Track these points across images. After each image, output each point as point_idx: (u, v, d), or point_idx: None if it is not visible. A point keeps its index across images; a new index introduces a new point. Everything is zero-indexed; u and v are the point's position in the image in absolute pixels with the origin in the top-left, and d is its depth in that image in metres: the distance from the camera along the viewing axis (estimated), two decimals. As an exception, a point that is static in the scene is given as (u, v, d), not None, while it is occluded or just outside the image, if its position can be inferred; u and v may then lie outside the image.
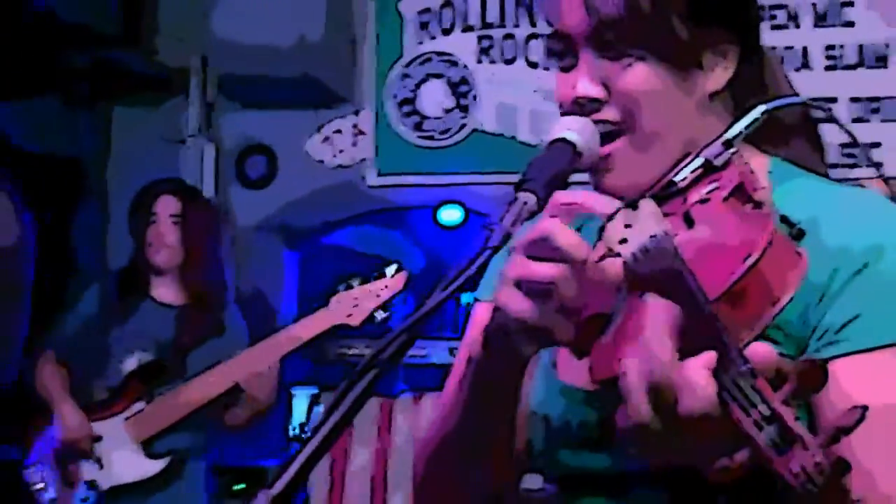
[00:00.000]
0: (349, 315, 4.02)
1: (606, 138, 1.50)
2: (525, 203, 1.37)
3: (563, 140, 1.47)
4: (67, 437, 4.19)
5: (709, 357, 1.16)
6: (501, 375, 1.45)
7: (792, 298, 1.28)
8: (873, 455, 1.33)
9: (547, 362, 1.56)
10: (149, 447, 4.19)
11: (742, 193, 1.41)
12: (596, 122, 1.49)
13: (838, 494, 1.07)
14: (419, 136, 5.46)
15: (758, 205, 1.39)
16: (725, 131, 1.49)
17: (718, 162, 1.46)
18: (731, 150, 1.47)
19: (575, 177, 1.48)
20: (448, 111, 5.46)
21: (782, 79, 1.66)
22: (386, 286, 4.05)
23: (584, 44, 1.50)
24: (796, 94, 1.63)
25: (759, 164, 1.56)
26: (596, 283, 1.33)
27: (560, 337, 1.33)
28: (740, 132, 1.49)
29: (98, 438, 4.21)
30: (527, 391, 1.58)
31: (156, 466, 4.17)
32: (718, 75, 1.53)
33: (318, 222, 5.66)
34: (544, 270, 1.31)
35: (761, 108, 1.50)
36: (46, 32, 4.75)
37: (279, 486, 1.16)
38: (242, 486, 4.97)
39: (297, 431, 5.53)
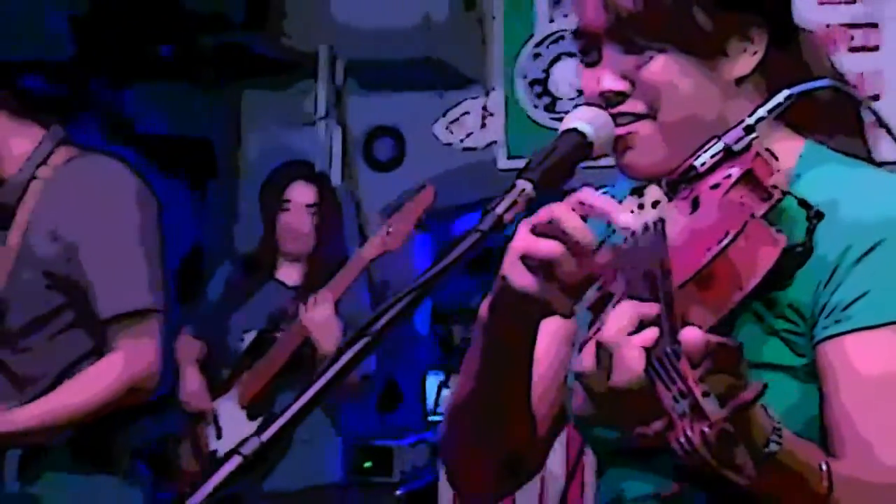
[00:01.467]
0: (385, 240, 4.11)
1: (628, 122, 1.51)
2: (523, 190, 1.40)
3: (574, 130, 1.49)
4: (185, 398, 4.37)
5: (646, 336, 1.24)
6: (506, 339, 1.52)
7: (761, 282, 1.33)
8: (873, 428, 1.39)
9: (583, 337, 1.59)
10: (252, 411, 4.30)
11: (752, 179, 1.41)
12: (622, 114, 1.51)
13: (723, 461, 1.13)
14: (552, 118, 5.41)
15: (766, 191, 1.40)
16: (751, 115, 1.48)
17: (737, 147, 1.46)
18: (751, 136, 1.47)
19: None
20: (582, 91, 5.39)
21: (823, 57, 1.63)
22: (416, 203, 4.11)
23: (606, 39, 1.52)
24: (839, 74, 1.61)
25: (792, 147, 1.56)
26: (604, 265, 1.40)
27: (557, 310, 1.41)
28: (762, 117, 1.48)
29: (215, 412, 4.35)
30: (557, 362, 1.67)
31: (253, 427, 4.25)
32: (745, 60, 1.53)
33: (448, 205, 5.67)
34: (547, 247, 1.38)
35: (785, 92, 1.49)
36: (174, 18, 4.87)
37: (267, 435, 1.25)
38: (370, 463, 5.05)
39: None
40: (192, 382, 4.38)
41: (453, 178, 5.51)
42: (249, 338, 4.37)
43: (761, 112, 1.47)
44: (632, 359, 1.22)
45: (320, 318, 4.11)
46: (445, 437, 1.71)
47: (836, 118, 1.60)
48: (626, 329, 1.25)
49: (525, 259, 1.38)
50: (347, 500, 4.48)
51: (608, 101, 1.51)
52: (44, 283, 2.89)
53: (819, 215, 1.43)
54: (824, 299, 1.42)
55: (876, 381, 1.39)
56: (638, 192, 1.45)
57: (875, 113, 1.52)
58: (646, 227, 1.35)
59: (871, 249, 1.42)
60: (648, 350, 1.22)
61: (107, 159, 3.01)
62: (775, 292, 1.43)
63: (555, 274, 1.37)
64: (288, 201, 4.41)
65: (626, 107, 1.51)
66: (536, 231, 1.38)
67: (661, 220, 1.35)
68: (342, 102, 5.56)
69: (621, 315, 1.26)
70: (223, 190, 5.68)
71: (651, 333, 1.22)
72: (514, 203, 1.38)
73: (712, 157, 1.46)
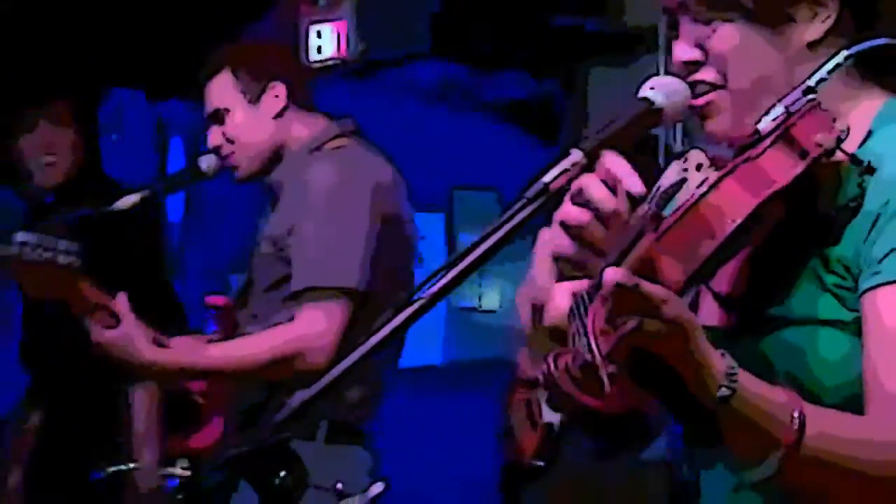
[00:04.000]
0: None
1: (706, 90, 1.61)
2: (574, 159, 1.51)
3: (643, 99, 1.60)
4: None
5: (577, 283, 1.36)
6: None
7: (736, 230, 1.37)
8: (893, 382, 1.42)
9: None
10: None
11: (789, 139, 1.48)
12: (698, 83, 1.61)
13: (587, 390, 1.26)
14: None
15: (803, 149, 1.46)
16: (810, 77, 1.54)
17: (794, 109, 1.51)
18: (808, 97, 1.52)
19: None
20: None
21: None
22: None
23: (681, 12, 1.62)
24: None
25: (874, 105, 1.60)
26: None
27: (591, 271, 1.49)
28: (822, 78, 1.54)
29: None
30: None
31: None
32: (816, 26, 1.58)
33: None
34: (574, 213, 1.50)
35: (844, 52, 1.55)
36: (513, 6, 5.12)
37: (313, 390, 1.42)
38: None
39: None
40: (524, 360, 4.56)
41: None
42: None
43: (821, 73, 1.53)
44: (558, 303, 1.35)
45: None
46: None
47: None
48: (549, 274, 1.38)
49: (562, 225, 1.51)
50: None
51: (685, 70, 1.61)
52: (272, 254, 3.18)
53: (869, 170, 1.48)
54: (865, 253, 1.47)
55: None
56: (680, 155, 1.52)
57: None
58: (665, 190, 1.44)
59: None
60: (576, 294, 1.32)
61: (359, 153, 3.25)
62: (828, 248, 1.50)
63: (586, 238, 1.49)
64: None
65: (700, 75, 1.60)
66: (572, 200, 1.50)
67: (680, 182, 1.44)
68: (682, 74, 5.60)
69: (542, 261, 1.40)
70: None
71: (583, 282, 1.34)
72: (565, 171, 1.49)
73: (773, 120, 1.50)
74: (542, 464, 4.86)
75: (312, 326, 3.04)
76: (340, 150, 3.25)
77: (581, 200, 1.49)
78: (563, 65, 5.68)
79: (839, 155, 1.48)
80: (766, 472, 1.37)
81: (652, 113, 1.58)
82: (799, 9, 1.57)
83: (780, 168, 1.45)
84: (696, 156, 1.49)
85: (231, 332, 3.23)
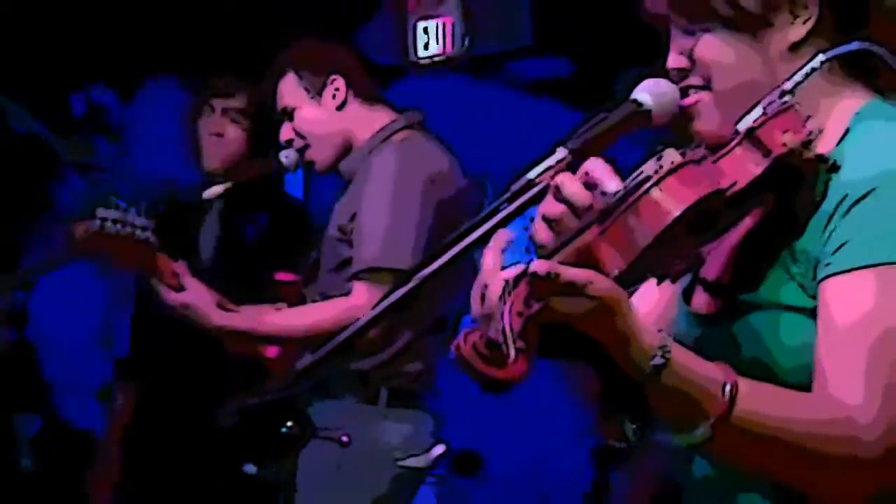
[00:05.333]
0: None
1: (693, 92, 1.69)
2: (560, 157, 1.61)
3: (632, 100, 1.68)
4: None
5: (509, 271, 1.43)
6: None
7: (671, 225, 1.45)
8: (832, 363, 1.50)
9: (679, 291, 1.79)
10: None
11: (753, 139, 1.56)
12: (686, 87, 1.69)
13: (491, 361, 1.35)
14: None
15: (767, 149, 1.55)
16: (788, 79, 1.61)
17: (770, 111, 1.59)
18: (783, 100, 1.59)
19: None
20: None
21: None
22: None
23: (670, 22, 1.71)
24: None
25: (852, 105, 1.66)
26: None
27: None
28: (798, 81, 1.61)
29: None
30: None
31: None
32: (797, 28, 1.65)
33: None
34: (551, 207, 1.57)
35: (820, 57, 1.62)
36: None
37: (315, 356, 1.56)
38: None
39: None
40: None
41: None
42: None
43: (798, 77, 1.60)
44: (493, 290, 1.42)
45: None
46: None
47: None
48: (496, 266, 1.47)
49: (543, 217, 1.58)
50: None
51: (674, 77, 1.70)
52: (338, 237, 3.43)
53: (834, 168, 1.56)
54: (821, 246, 1.55)
55: (843, 323, 1.50)
56: (657, 154, 1.56)
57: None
58: (627, 186, 1.50)
59: (861, 199, 1.52)
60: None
61: (418, 143, 3.47)
62: (796, 240, 1.58)
63: (560, 230, 1.55)
64: None
65: (689, 81, 1.69)
66: (553, 195, 1.57)
67: (645, 179, 1.49)
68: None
69: (492, 255, 1.48)
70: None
71: (514, 269, 1.42)
72: (549, 169, 1.58)
73: (754, 121, 1.58)
74: (624, 445, 4.94)
75: (361, 301, 3.27)
76: (400, 142, 3.48)
77: (559, 196, 1.57)
78: (662, 61, 5.74)
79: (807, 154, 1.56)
80: (693, 440, 1.45)
81: (639, 114, 1.66)
82: (777, 14, 1.64)
83: (741, 167, 1.53)
84: (670, 154, 1.54)
85: (298, 305, 3.51)
